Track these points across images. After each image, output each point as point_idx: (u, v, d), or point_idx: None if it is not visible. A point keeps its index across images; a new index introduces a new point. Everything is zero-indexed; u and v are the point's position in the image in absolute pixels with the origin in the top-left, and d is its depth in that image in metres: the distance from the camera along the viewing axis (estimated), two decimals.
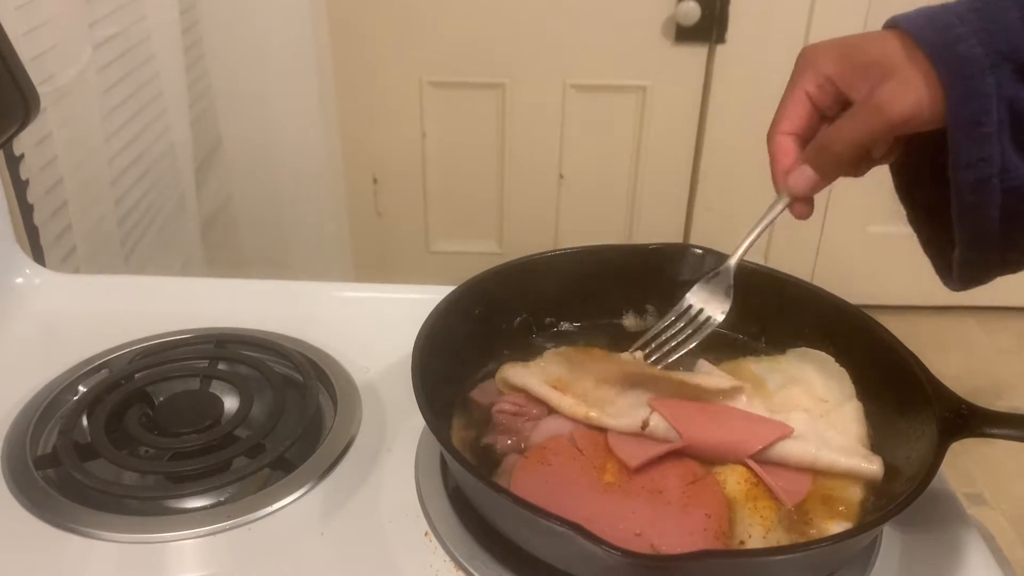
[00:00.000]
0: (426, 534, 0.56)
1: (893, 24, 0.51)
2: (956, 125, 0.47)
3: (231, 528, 0.56)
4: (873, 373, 0.61)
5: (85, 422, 0.64)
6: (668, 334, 0.65)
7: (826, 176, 0.55)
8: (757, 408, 0.61)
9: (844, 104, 0.53)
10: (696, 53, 1.86)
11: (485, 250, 2.08)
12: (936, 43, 0.48)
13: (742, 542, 0.52)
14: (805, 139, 0.56)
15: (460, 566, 0.53)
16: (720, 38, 1.84)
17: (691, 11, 1.78)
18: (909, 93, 0.48)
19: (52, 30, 1.03)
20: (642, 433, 0.58)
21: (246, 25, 1.56)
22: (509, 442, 0.60)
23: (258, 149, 1.67)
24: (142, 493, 0.61)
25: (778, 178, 0.58)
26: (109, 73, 1.21)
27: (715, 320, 0.64)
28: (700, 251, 0.70)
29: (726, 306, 0.64)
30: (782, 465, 0.56)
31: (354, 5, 1.81)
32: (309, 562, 0.54)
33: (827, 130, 0.54)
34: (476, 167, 1.99)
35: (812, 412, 0.60)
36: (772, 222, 0.60)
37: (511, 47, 1.85)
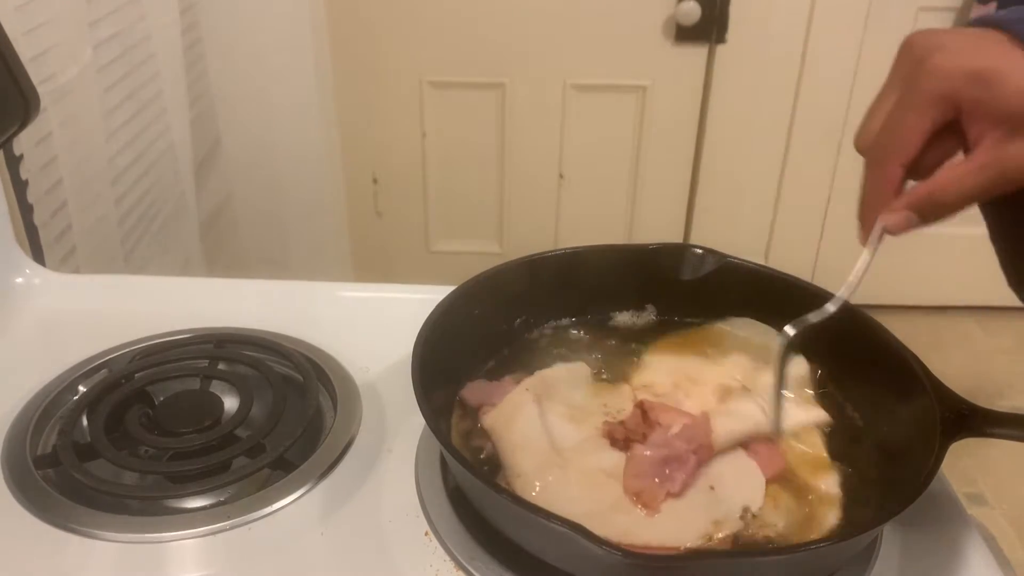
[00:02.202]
0: (426, 534, 0.56)
1: (994, 24, 0.46)
2: None
3: (231, 528, 0.56)
4: (873, 373, 0.61)
5: (85, 422, 0.64)
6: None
7: (928, 223, 0.51)
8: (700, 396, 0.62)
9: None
10: (696, 53, 1.86)
11: (485, 250, 2.08)
12: None
13: (746, 507, 0.54)
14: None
15: (460, 566, 0.53)
16: (720, 38, 1.84)
17: (691, 11, 1.78)
18: None
19: (52, 30, 1.03)
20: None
21: (246, 25, 1.56)
22: (490, 445, 0.59)
23: (258, 149, 1.67)
24: (142, 493, 0.61)
25: (873, 210, 0.52)
26: (109, 73, 1.21)
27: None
28: (700, 251, 0.70)
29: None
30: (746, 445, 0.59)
31: (354, 5, 1.81)
32: (309, 562, 0.54)
33: (943, 181, 0.48)
34: (476, 167, 1.99)
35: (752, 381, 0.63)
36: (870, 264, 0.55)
37: (511, 47, 1.85)
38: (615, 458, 0.57)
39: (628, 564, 0.44)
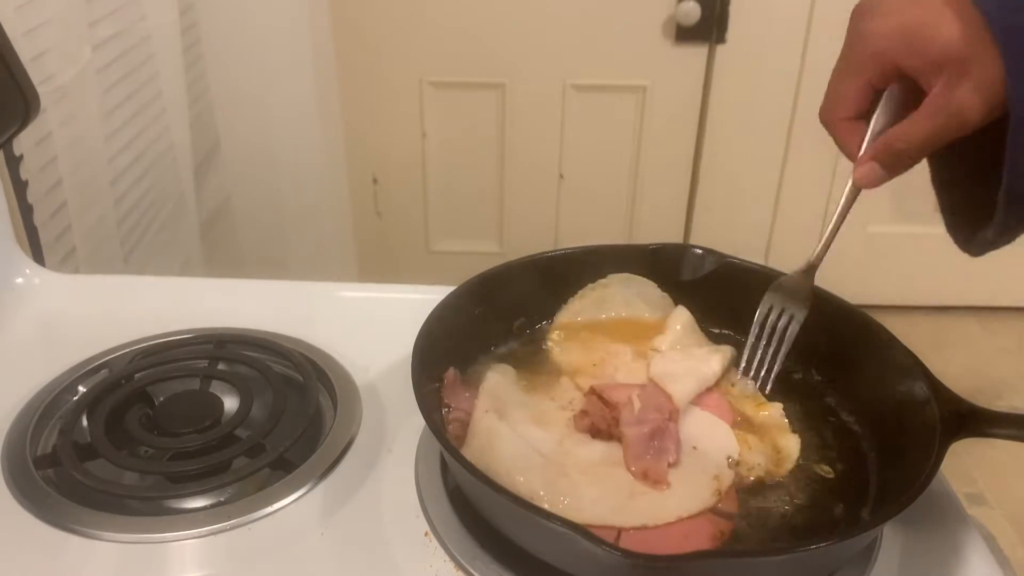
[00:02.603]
0: (426, 534, 0.56)
1: None
2: (1019, 120, 0.45)
3: (231, 528, 0.56)
4: (873, 373, 0.61)
5: (85, 422, 0.64)
6: (759, 351, 0.65)
7: (894, 172, 0.54)
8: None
9: (902, 80, 0.51)
10: (696, 53, 1.86)
11: (485, 250, 2.08)
12: (1008, 27, 0.45)
13: (728, 456, 0.58)
14: (865, 117, 0.55)
15: (460, 566, 0.53)
16: (720, 38, 1.84)
17: (691, 11, 1.78)
18: (987, 95, 0.46)
19: (52, 30, 1.03)
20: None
21: (246, 25, 1.56)
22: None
23: (258, 149, 1.67)
24: (142, 493, 0.61)
25: (846, 153, 0.57)
26: (109, 73, 1.21)
27: (798, 318, 0.63)
28: (700, 251, 0.70)
29: (807, 306, 0.63)
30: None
31: (354, 5, 1.81)
32: (309, 562, 0.54)
33: (900, 132, 0.52)
34: (476, 167, 1.99)
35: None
36: (844, 215, 0.60)
37: (511, 47, 1.85)
38: (601, 448, 0.58)
39: (628, 564, 0.44)
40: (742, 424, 0.61)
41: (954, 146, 0.51)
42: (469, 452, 0.56)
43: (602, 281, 0.71)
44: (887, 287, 2.03)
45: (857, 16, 0.52)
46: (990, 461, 1.71)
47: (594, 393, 0.61)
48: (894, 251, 2.06)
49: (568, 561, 0.50)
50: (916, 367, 0.57)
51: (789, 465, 0.58)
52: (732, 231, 2.03)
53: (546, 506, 0.52)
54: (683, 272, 0.70)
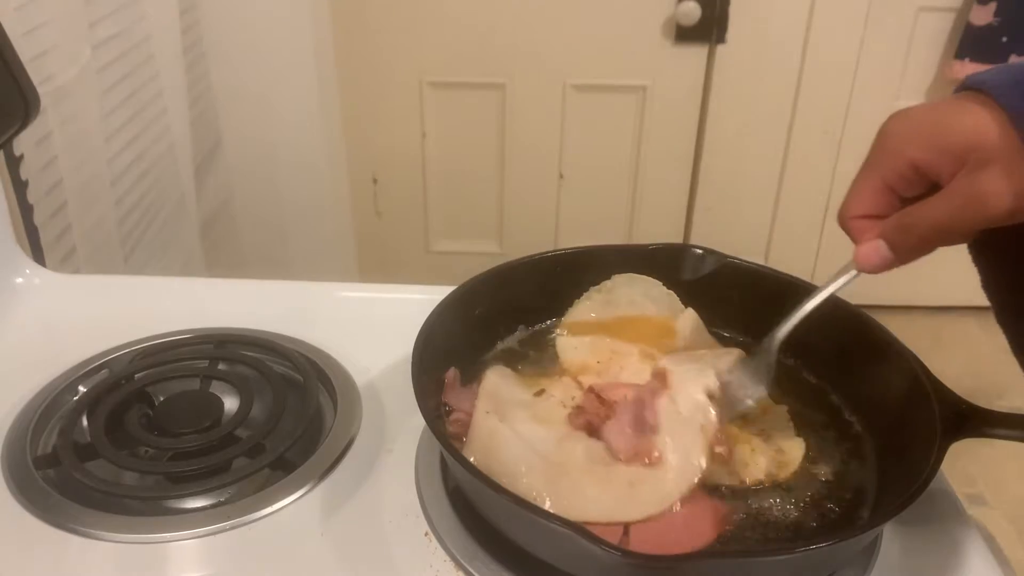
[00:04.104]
0: (426, 534, 0.56)
1: (977, 86, 0.46)
2: None
3: (231, 528, 0.56)
4: (873, 373, 0.61)
5: (85, 422, 0.64)
6: None
7: (902, 257, 0.50)
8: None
9: (927, 185, 0.49)
10: (696, 53, 1.86)
11: (485, 250, 2.08)
12: None
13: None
14: (882, 219, 0.52)
15: (460, 566, 0.53)
16: (720, 38, 1.84)
17: (691, 11, 1.79)
18: (1014, 184, 0.43)
19: (52, 30, 1.03)
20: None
21: (246, 25, 1.56)
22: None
23: (258, 149, 1.67)
24: (142, 493, 0.61)
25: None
26: (109, 73, 1.21)
27: (748, 405, 0.60)
28: (700, 251, 0.70)
29: (762, 390, 0.60)
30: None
31: (355, 5, 1.81)
32: (309, 562, 0.54)
33: (914, 209, 0.49)
34: (476, 167, 2.00)
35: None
36: (832, 293, 0.57)
37: (511, 47, 1.85)
38: (601, 446, 0.58)
39: (628, 564, 0.44)
40: (746, 426, 0.61)
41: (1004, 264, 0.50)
42: (470, 453, 0.56)
43: (607, 283, 0.71)
44: (887, 287, 2.02)
45: (884, 124, 0.50)
46: (990, 461, 1.71)
47: (592, 391, 0.61)
48: None
49: (568, 561, 0.50)
50: (916, 367, 0.57)
51: (792, 468, 0.58)
52: (732, 231, 2.03)
53: (548, 507, 0.52)
54: (683, 272, 0.70)
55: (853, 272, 0.54)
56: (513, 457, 0.55)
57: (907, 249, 0.50)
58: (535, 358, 0.68)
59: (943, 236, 0.48)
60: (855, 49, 1.86)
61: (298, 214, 1.75)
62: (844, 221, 0.53)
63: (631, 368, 0.65)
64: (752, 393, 0.60)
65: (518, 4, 1.81)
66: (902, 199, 0.50)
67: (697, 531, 0.52)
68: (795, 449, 0.59)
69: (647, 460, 0.55)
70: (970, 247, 0.54)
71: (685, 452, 0.55)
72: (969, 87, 0.47)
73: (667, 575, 0.47)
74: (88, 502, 0.57)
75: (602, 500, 0.53)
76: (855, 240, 0.52)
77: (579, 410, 0.60)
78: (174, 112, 1.39)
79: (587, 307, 0.71)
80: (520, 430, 0.58)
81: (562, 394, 0.63)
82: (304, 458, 0.61)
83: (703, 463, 0.55)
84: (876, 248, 0.51)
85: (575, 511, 0.51)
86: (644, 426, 0.57)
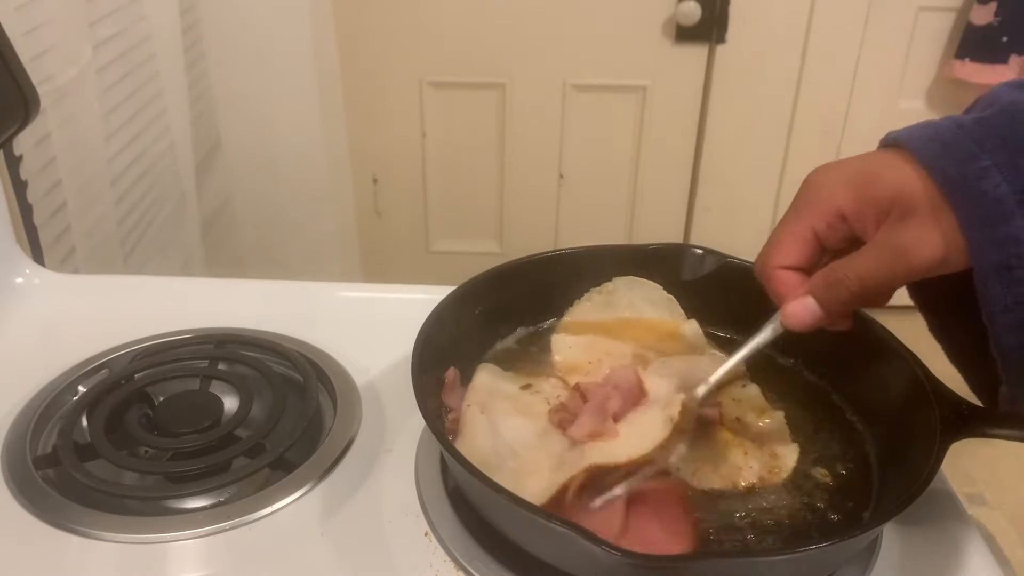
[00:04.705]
0: (426, 534, 0.56)
1: (897, 143, 0.47)
2: (983, 272, 0.43)
3: (231, 528, 0.56)
4: (873, 373, 0.61)
5: (85, 422, 0.64)
6: None
7: (831, 313, 0.50)
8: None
9: (851, 238, 0.49)
10: (696, 53, 1.86)
11: (485, 250, 2.08)
12: (956, 180, 0.43)
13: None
14: (806, 272, 0.51)
15: (460, 566, 0.53)
16: (720, 38, 1.84)
17: (691, 11, 1.78)
18: (935, 238, 0.44)
19: (52, 30, 1.03)
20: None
21: (246, 25, 1.56)
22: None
23: (258, 149, 1.67)
24: (142, 493, 0.61)
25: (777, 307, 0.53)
26: (109, 73, 1.21)
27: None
28: (700, 251, 0.70)
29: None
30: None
31: (355, 6, 1.81)
32: (309, 562, 0.54)
33: (840, 265, 0.49)
34: (476, 167, 2.00)
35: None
36: (756, 349, 0.56)
37: (511, 47, 1.85)
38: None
39: (627, 564, 0.44)
40: (741, 431, 0.61)
41: (953, 317, 0.50)
42: (459, 447, 0.56)
43: (608, 285, 0.71)
44: None
45: (810, 176, 0.51)
46: (990, 461, 1.71)
47: (578, 389, 0.61)
48: None
49: (568, 561, 0.50)
50: (916, 367, 0.57)
51: (784, 474, 0.58)
52: (732, 231, 2.03)
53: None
54: (683, 272, 0.70)
55: (779, 329, 0.53)
56: (488, 448, 0.55)
57: (837, 304, 0.49)
58: (532, 357, 0.68)
59: (872, 289, 0.48)
60: (855, 49, 1.86)
61: (298, 214, 1.75)
62: (766, 271, 0.52)
63: None
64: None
65: (518, 4, 1.81)
66: (823, 252, 0.51)
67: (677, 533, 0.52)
68: (789, 454, 0.59)
69: (603, 436, 0.55)
70: (917, 303, 0.55)
71: (646, 427, 0.55)
72: (889, 144, 0.48)
73: (667, 575, 0.47)
74: (88, 502, 0.57)
75: (544, 475, 0.53)
76: (777, 294, 0.52)
77: (560, 407, 0.60)
78: (174, 112, 1.39)
79: (587, 308, 0.71)
80: (499, 422, 0.58)
81: (548, 390, 0.63)
82: (304, 458, 0.61)
83: (664, 431, 0.54)
84: (805, 305, 0.50)
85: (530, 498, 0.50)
86: (603, 412, 0.56)
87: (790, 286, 0.51)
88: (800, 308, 0.50)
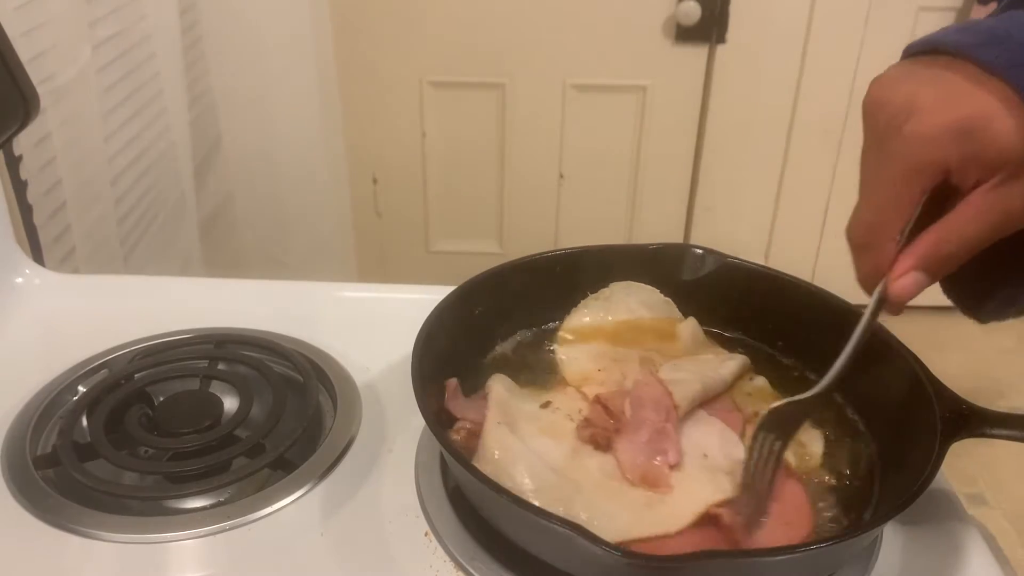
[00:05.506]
0: (426, 534, 0.56)
1: (979, 62, 0.43)
2: None
3: (231, 528, 0.56)
4: (873, 373, 0.61)
5: (85, 422, 0.64)
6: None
7: (935, 280, 0.48)
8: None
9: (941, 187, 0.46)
10: (696, 53, 1.86)
11: (485, 250, 2.08)
12: None
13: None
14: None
15: (460, 566, 0.53)
16: (720, 38, 1.84)
17: (691, 11, 1.79)
18: None
19: (52, 30, 1.03)
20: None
21: (246, 25, 1.56)
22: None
23: (258, 149, 1.67)
24: (142, 493, 0.61)
25: (872, 281, 0.49)
26: (109, 73, 1.21)
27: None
28: (700, 251, 0.70)
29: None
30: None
31: (354, 5, 1.81)
32: (309, 562, 0.54)
33: (950, 233, 0.46)
34: (476, 167, 1.99)
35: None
36: (868, 329, 0.52)
37: (511, 47, 1.85)
38: (608, 460, 0.57)
39: (627, 564, 0.44)
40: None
41: None
42: (482, 467, 0.54)
43: (604, 291, 0.71)
44: None
45: (891, 117, 0.46)
46: (990, 461, 1.71)
47: (598, 402, 0.60)
48: None
49: (567, 561, 0.50)
50: (916, 367, 0.57)
51: (816, 460, 0.58)
52: (732, 231, 2.03)
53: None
54: (683, 272, 0.70)
55: (878, 300, 0.49)
56: (527, 472, 0.54)
57: (945, 272, 0.47)
58: (535, 364, 0.67)
59: (976, 251, 0.46)
60: (855, 49, 1.86)
61: (298, 214, 1.75)
62: (881, 241, 0.48)
63: (633, 375, 0.64)
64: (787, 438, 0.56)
65: (518, 4, 1.81)
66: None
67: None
68: (815, 442, 0.59)
69: (658, 489, 0.54)
70: None
71: (706, 482, 0.55)
72: (942, 51, 0.45)
73: (667, 575, 0.47)
74: (88, 502, 0.57)
75: (617, 518, 0.52)
76: (883, 268, 0.48)
77: (586, 422, 0.59)
78: (174, 112, 1.39)
79: (585, 315, 0.70)
80: (531, 443, 0.57)
81: (568, 406, 0.62)
82: (304, 458, 0.61)
83: (727, 491, 0.54)
84: (917, 280, 0.47)
85: (601, 529, 0.49)
86: (660, 456, 0.56)
87: (891, 256, 0.48)
88: (912, 284, 0.47)
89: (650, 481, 0.55)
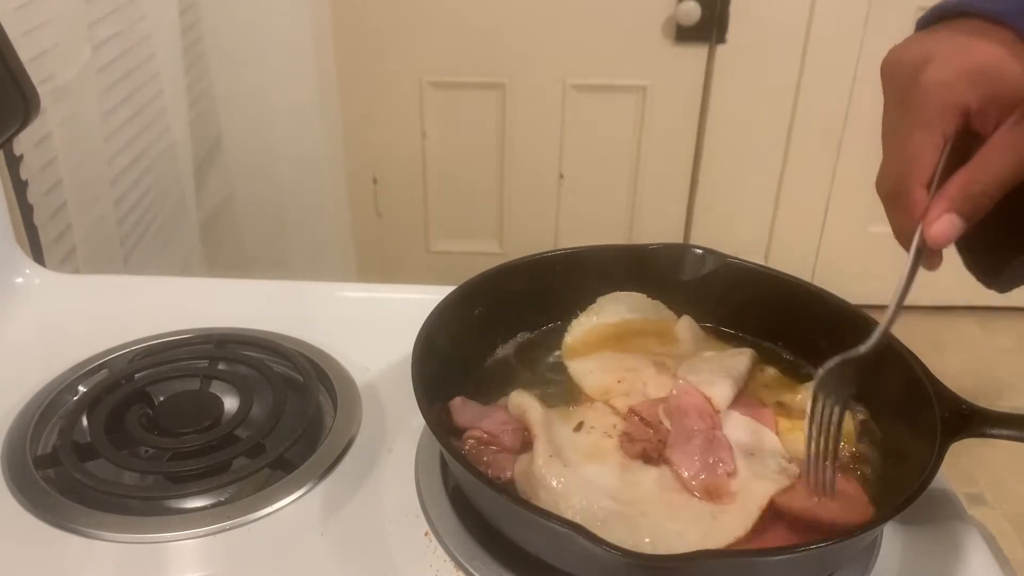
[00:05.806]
0: (426, 534, 0.56)
1: (996, 16, 0.45)
2: None
3: (231, 528, 0.56)
4: (873, 373, 0.61)
5: (85, 422, 0.64)
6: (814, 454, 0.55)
7: (970, 222, 0.47)
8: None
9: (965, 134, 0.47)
10: (696, 53, 1.86)
11: (485, 250, 2.08)
12: None
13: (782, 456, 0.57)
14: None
15: (460, 566, 0.53)
16: (720, 38, 1.84)
17: (691, 11, 1.79)
18: None
19: (52, 30, 1.03)
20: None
21: (246, 25, 1.56)
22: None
23: (258, 149, 1.67)
24: (142, 493, 0.61)
25: (907, 232, 0.49)
26: (109, 73, 1.21)
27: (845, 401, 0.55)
28: (700, 251, 0.70)
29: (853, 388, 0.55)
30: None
31: (355, 5, 1.81)
32: (309, 562, 0.54)
33: (977, 173, 0.46)
34: (476, 167, 1.99)
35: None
36: (912, 279, 0.51)
37: (511, 47, 1.85)
38: (663, 472, 0.56)
39: (628, 564, 0.44)
40: (784, 412, 0.61)
41: None
42: (530, 496, 0.53)
43: (593, 306, 0.71)
44: (887, 287, 2.02)
45: (909, 67, 0.48)
46: (990, 461, 1.71)
47: (634, 414, 0.60)
48: (894, 251, 2.06)
49: (568, 561, 0.50)
50: (916, 367, 0.57)
51: (852, 439, 0.58)
52: (732, 231, 2.03)
53: (631, 544, 0.49)
54: (683, 272, 0.70)
55: (916, 254, 0.50)
56: (586, 504, 0.52)
57: (979, 213, 0.47)
58: (545, 372, 0.67)
59: (1005, 190, 0.46)
60: (855, 49, 1.86)
61: (298, 214, 1.75)
62: (908, 190, 0.48)
63: (653, 382, 0.63)
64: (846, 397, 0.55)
65: (518, 4, 1.81)
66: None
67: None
68: (847, 422, 0.59)
69: (721, 499, 0.54)
70: None
71: (764, 492, 0.55)
72: (959, 13, 0.47)
73: (667, 575, 0.47)
74: (88, 502, 0.57)
75: (686, 535, 0.52)
76: (915, 215, 0.48)
77: (628, 437, 0.58)
78: (174, 112, 1.39)
79: (581, 329, 0.70)
80: (581, 472, 0.55)
81: (601, 423, 0.60)
82: (304, 458, 0.61)
83: (783, 482, 0.55)
84: (952, 222, 0.47)
85: (662, 548, 0.50)
86: (720, 467, 0.56)
87: (920, 204, 0.48)
88: (948, 226, 0.47)
89: (712, 492, 0.54)
